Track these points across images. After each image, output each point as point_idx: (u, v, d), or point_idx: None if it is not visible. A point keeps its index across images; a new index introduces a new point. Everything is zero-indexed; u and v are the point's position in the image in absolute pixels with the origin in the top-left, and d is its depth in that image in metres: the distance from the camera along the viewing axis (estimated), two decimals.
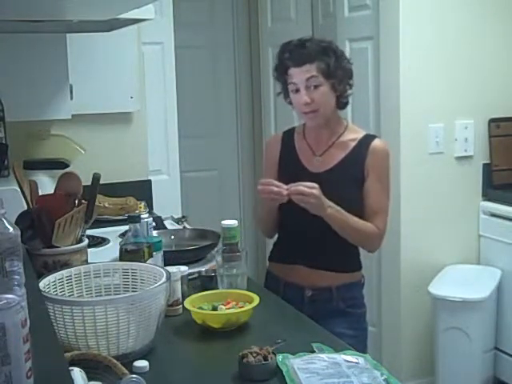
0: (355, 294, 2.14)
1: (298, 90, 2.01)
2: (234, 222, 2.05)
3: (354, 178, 2.06)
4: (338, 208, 1.97)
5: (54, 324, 1.41)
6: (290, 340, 1.57)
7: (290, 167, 2.12)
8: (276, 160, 2.16)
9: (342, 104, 2.09)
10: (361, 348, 2.04)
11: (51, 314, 1.41)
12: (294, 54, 2.00)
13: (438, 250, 3.19)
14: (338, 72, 2.00)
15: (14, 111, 2.43)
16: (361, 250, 2.15)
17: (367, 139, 2.09)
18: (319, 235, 2.04)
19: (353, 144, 2.08)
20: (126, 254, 1.82)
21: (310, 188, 1.90)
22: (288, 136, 2.18)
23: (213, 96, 4.47)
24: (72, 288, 1.64)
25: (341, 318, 2.07)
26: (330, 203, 1.95)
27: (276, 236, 2.22)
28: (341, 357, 1.46)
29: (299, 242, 2.09)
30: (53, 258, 1.83)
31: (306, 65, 1.97)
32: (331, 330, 1.90)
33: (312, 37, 2.07)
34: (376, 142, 2.08)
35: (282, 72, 2.05)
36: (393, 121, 3.08)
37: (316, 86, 1.98)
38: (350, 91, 2.08)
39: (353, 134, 2.11)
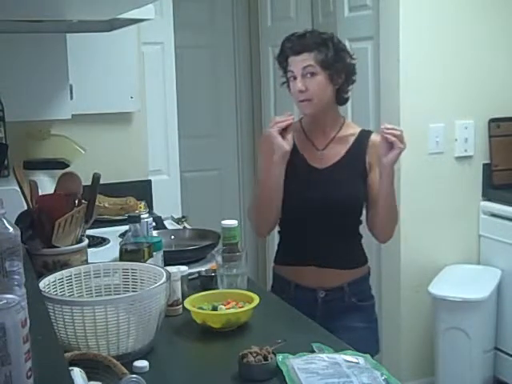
0: (365, 288, 2.17)
1: (295, 78, 2.04)
2: (233, 222, 2.06)
3: (358, 172, 2.08)
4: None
5: (54, 324, 1.41)
6: (290, 340, 1.57)
7: (293, 163, 2.11)
8: None
9: (342, 99, 2.10)
10: (374, 338, 2.14)
11: (51, 314, 1.41)
12: (294, 43, 2.04)
13: (438, 250, 3.19)
14: (336, 64, 2.02)
15: (14, 111, 2.43)
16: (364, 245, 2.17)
17: (365, 134, 2.13)
18: (324, 235, 2.05)
19: (352, 138, 2.11)
20: (126, 254, 1.82)
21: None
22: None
23: (213, 96, 4.47)
24: (72, 288, 1.64)
25: (353, 313, 2.10)
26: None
27: (279, 238, 2.21)
28: (341, 357, 1.46)
29: (305, 242, 2.09)
30: (53, 258, 1.83)
31: (303, 53, 2.01)
32: (344, 325, 1.97)
33: (315, 29, 2.12)
34: (374, 138, 2.11)
35: (282, 61, 2.08)
36: (393, 121, 3.07)
37: (312, 76, 2.01)
38: (351, 87, 2.10)
39: (351, 129, 2.14)
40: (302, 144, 2.13)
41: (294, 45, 2.03)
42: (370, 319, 2.16)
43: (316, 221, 2.05)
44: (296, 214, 2.07)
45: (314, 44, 2.01)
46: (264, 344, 1.48)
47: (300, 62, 2.01)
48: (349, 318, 2.08)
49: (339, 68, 2.04)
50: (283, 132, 2.01)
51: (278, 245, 2.22)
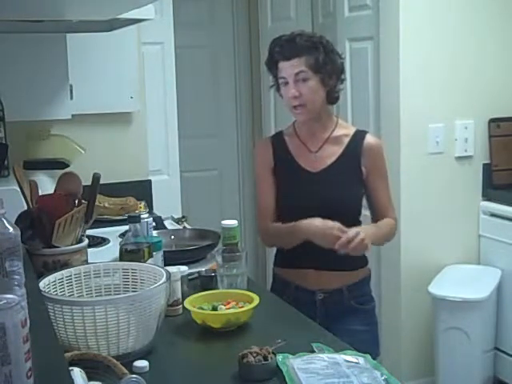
0: (365, 291, 2.16)
1: (286, 83, 2.02)
2: (234, 222, 2.06)
3: (353, 173, 2.08)
4: (372, 230, 2.02)
5: (54, 324, 1.41)
6: (290, 340, 1.57)
7: (287, 170, 2.12)
8: (271, 166, 2.13)
9: (332, 99, 2.10)
10: (374, 342, 2.14)
11: (51, 314, 1.41)
12: (283, 48, 2.02)
13: (438, 250, 3.19)
14: (326, 67, 2.01)
15: (14, 111, 2.43)
16: None
17: (359, 135, 2.12)
18: None
19: (346, 139, 2.10)
20: (126, 254, 1.82)
21: (357, 236, 1.90)
22: (278, 139, 2.17)
23: (213, 96, 4.47)
24: (72, 288, 1.64)
25: (353, 316, 2.10)
26: (368, 231, 1.97)
27: None
28: (341, 357, 1.46)
29: (305, 246, 2.07)
30: (53, 258, 1.83)
31: (294, 59, 1.99)
32: (343, 328, 1.96)
33: (303, 31, 2.08)
34: (369, 140, 2.11)
35: (272, 66, 2.06)
36: (393, 121, 3.08)
37: (304, 81, 2.00)
38: (341, 86, 2.10)
39: (344, 130, 2.13)
40: (295, 148, 2.13)
41: (284, 50, 2.01)
42: (369, 322, 2.15)
43: None
44: (294, 217, 2.06)
45: (304, 48, 1.99)
46: (264, 344, 1.48)
47: (291, 68, 1.99)
48: (348, 321, 2.07)
49: (330, 70, 2.03)
50: None
51: (278, 248, 2.22)
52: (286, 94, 2.04)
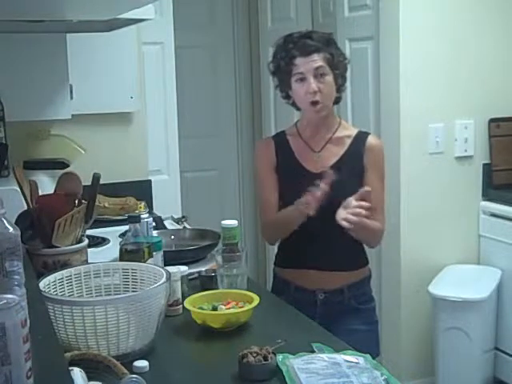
0: (365, 290, 2.16)
1: (303, 79, 2.00)
2: (234, 222, 2.06)
3: (355, 174, 2.08)
4: None
5: (54, 324, 1.41)
6: (290, 340, 1.57)
7: (290, 170, 2.11)
8: (273, 164, 2.13)
9: (337, 98, 2.11)
10: (374, 341, 2.14)
11: (51, 314, 1.41)
12: (299, 44, 2.01)
13: (438, 250, 3.19)
14: (339, 64, 2.04)
15: (14, 111, 2.43)
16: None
17: (361, 136, 2.12)
18: (325, 237, 2.05)
19: (349, 140, 2.10)
20: (126, 254, 1.82)
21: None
22: (280, 139, 2.16)
23: (213, 96, 4.47)
24: (72, 288, 1.64)
25: (353, 316, 2.10)
26: None
27: (279, 241, 2.20)
28: (341, 357, 1.46)
29: (306, 246, 2.09)
30: (53, 258, 1.83)
31: (313, 54, 1.99)
32: (344, 327, 1.97)
33: (313, 30, 2.10)
34: (371, 140, 2.11)
35: (286, 63, 2.03)
36: (393, 121, 3.08)
37: (323, 76, 2.00)
38: (344, 86, 2.11)
39: (346, 131, 2.13)
40: (298, 148, 2.12)
41: (302, 45, 2.00)
42: (370, 322, 2.16)
43: (315, 223, 2.03)
44: None
45: (321, 44, 2.00)
46: (264, 344, 1.48)
47: (311, 63, 1.99)
48: (348, 321, 2.07)
49: (342, 68, 2.05)
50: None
51: (279, 247, 2.21)
52: (305, 89, 2.00)
